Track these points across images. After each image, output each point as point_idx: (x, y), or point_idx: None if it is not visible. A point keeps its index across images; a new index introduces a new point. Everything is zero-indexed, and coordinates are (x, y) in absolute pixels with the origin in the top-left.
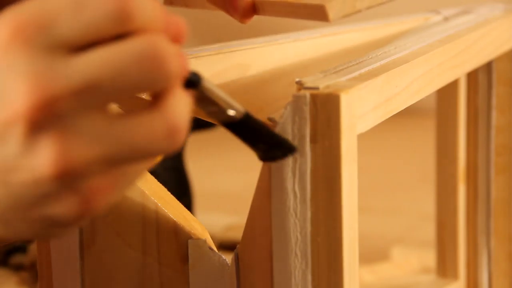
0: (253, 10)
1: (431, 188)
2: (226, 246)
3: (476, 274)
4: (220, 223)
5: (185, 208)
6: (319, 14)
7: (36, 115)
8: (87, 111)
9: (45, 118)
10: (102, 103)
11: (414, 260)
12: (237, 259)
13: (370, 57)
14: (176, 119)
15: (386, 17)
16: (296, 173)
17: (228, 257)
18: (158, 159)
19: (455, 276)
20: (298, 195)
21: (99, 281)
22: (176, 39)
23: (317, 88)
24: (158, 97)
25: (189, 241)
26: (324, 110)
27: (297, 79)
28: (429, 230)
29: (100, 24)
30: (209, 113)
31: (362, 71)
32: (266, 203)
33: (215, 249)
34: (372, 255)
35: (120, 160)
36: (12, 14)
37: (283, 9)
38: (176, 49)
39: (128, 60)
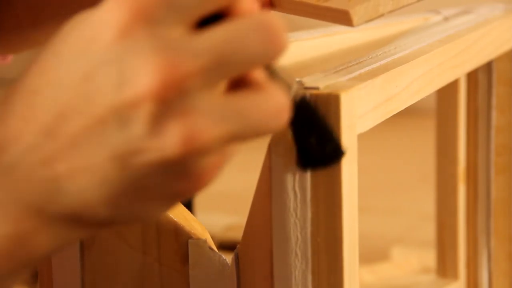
0: (270, 5)
1: (431, 188)
2: (226, 246)
3: (476, 274)
4: (220, 223)
5: (185, 208)
6: (343, 19)
7: (165, 92)
8: (210, 88)
9: (174, 96)
10: (224, 79)
11: (414, 260)
12: (237, 259)
13: (370, 57)
14: (283, 99)
15: (386, 17)
16: (296, 173)
17: (228, 257)
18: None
19: (455, 276)
20: (298, 195)
21: (99, 281)
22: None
23: (317, 88)
24: (260, 79)
25: (189, 241)
26: (324, 110)
27: (297, 79)
28: (429, 230)
29: None
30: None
31: (362, 71)
32: (266, 203)
33: (215, 249)
34: (372, 255)
35: (239, 136)
36: None
37: (303, 8)
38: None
39: (249, 33)
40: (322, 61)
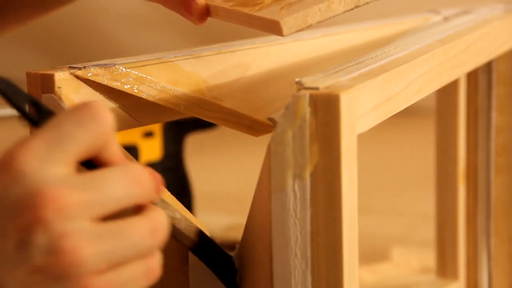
0: (207, 13)
1: (431, 188)
2: (226, 246)
3: (476, 274)
4: (220, 223)
5: (185, 208)
6: (273, 29)
7: (48, 214)
8: (91, 217)
9: (56, 219)
10: (102, 212)
11: (414, 260)
12: (237, 259)
13: (370, 57)
14: (156, 221)
15: (386, 17)
16: (296, 173)
17: None
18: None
19: (455, 276)
20: (298, 195)
21: None
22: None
23: (317, 88)
24: (140, 208)
25: None
26: (324, 110)
27: (297, 79)
28: (429, 230)
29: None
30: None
31: (362, 71)
32: (266, 203)
33: None
34: (372, 255)
35: (117, 254)
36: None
37: (237, 17)
38: (150, 175)
39: (118, 176)
40: (322, 61)
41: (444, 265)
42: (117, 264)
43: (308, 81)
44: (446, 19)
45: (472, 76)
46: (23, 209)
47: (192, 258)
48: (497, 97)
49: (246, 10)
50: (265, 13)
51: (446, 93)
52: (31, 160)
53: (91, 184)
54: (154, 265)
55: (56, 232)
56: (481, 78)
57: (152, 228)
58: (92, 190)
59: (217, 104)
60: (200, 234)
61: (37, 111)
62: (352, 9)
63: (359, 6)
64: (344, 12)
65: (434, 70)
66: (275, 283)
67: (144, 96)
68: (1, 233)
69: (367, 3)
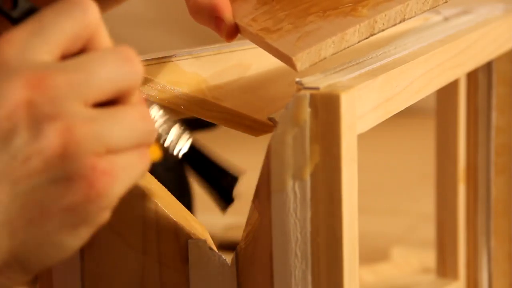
0: (237, 31)
1: (431, 188)
2: (226, 246)
3: (476, 274)
4: (220, 223)
5: (185, 208)
6: (288, 62)
7: (33, 96)
8: (81, 98)
9: (43, 100)
10: (93, 94)
11: (414, 260)
12: (237, 259)
13: (370, 57)
14: (145, 110)
15: None
16: (295, 173)
17: (228, 257)
18: (155, 154)
19: (455, 276)
20: (298, 195)
21: (99, 281)
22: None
23: (317, 88)
24: (125, 98)
25: (189, 241)
26: (324, 110)
27: (297, 79)
28: (429, 230)
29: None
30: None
31: (362, 71)
32: (266, 203)
33: (215, 249)
34: (372, 255)
35: (113, 137)
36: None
37: (259, 42)
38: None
39: (108, 56)
40: (322, 61)
41: (444, 265)
42: (115, 148)
43: (308, 81)
44: (446, 19)
45: (472, 76)
46: (5, 97)
47: (192, 258)
48: (497, 97)
49: (266, 37)
50: (282, 44)
51: (446, 93)
52: (10, 50)
53: (78, 65)
54: (146, 153)
55: (45, 114)
56: (481, 78)
57: (142, 115)
58: (79, 70)
59: (217, 104)
60: (193, 143)
61: (16, 8)
62: (367, 37)
63: (374, 34)
64: (359, 41)
65: (434, 70)
66: (275, 283)
67: (144, 96)
68: None
69: (383, 30)
